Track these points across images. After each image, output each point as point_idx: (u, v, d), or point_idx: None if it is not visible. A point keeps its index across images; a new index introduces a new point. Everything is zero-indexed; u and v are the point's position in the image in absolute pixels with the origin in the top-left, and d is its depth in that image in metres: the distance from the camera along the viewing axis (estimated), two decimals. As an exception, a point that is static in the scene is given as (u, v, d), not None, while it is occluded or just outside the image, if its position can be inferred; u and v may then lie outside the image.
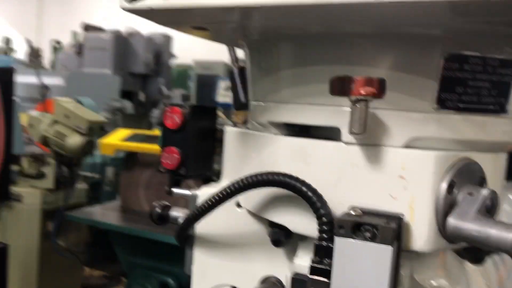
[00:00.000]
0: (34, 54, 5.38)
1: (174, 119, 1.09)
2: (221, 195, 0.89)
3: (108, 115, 7.55)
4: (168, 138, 1.11)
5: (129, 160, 4.86)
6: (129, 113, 8.29)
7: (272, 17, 0.75)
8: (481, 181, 0.81)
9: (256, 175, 0.83)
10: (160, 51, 10.28)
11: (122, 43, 9.96)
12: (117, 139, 4.88)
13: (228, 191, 0.88)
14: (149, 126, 8.67)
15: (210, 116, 1.19)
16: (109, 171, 5.92)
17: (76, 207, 4.89)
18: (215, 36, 1.00)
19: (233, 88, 1.18)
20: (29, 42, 5.67)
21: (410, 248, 0.77)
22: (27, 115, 5.02)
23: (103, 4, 15.16)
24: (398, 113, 0.78)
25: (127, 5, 0.78)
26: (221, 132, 1.25)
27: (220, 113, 6.84)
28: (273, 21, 0.78)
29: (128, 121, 8.07)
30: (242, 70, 1.17)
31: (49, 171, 4.70)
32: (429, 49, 0.76)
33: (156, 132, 5.05)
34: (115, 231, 4.22)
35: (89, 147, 4.67)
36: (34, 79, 7.60)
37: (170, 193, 1.13)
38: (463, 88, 0.78)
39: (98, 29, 10.79)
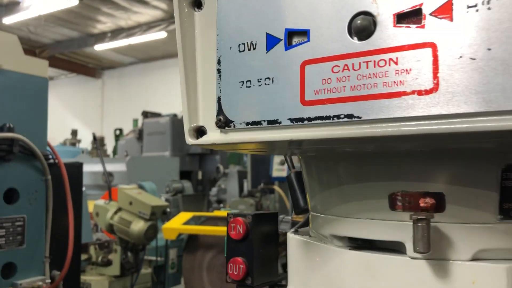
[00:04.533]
0: (98, 144, 5.70)
1: (238, 229, 1.13)
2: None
3: (169, 197, 7.77)
4: (233, 249, 1.14)
5: (190, 243, 4.92)
6: (189, 193, 8.49)
7: (323, 144, 0.80)
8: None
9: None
10: (214, 130, 10.65)
11: (179, 126, 10.43)
12: (178, 223, 4.99)
13: (297, 308, 0.88)
14: (208, 204, 8.80)
15: (272, 222, 1.21)
16: (172, 253, 5.99)
17: (142, 292, 4.95)
18: (271, 153, 1.06)
19: (292, 193, 1.21)
20: (93, 135, 6.04)
21: None
22: (94, 204, 5.24)
23: (159, 91, 16.08)
24: (461, 226, 0.78)
25: (193, 141, 0.85)
26: (283, 235, 1.28)
27: (277, 188, 6.82)
28: (326, 145, 0.82)
29: (188, 201, 8.25)
30: (299, 175, 1.21)
31: (115, 258, 4.81)
32: (486, 162, 0.77)
33: (216, 213, 5.12)
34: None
35: (152, 232, 4.78)
36: (98, 167, 8.03)
37: (239, 303, 1.15)
38: (527, 196, 0.77)
39: (156, 114, 11.39)
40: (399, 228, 0.82)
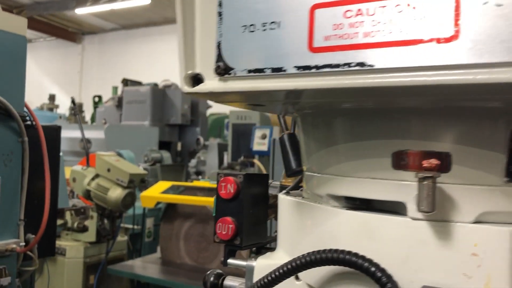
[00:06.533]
0: (77, 110, 5.57)
1: (228, 188, 1.09)
2: (282, 272, 0.87)
3: (147, 166, 7.70)
4: (222, 208, 1.10)
5: (168, 212, 4.88)
6: (167, 163, 8.42)
7: (330, 95, 0.76)
8: None
9: (320, 253, 0.81)
10: (196, 101, 10.54)
11: (159, 95, 10.27)
12: (157, 191, 4.94)
13: (290, 267, 0.85)
14: (187, 176, 8.76)
15: (262, 183, 1.18)
16: (149, 222, 5.96)
17: (117, 259, 4.93)
18: (268, 109, 1.01)
19: (284, 155, 1.17)
20: (73, 99, 5.90)
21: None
22: (71, 169, 5.15)
23: (141, 59, 15.77)
24: (466, 187, 0.76)
25: (189, 89, 0.80)
26: (273, 197, 1.25)
27: (257, 162, 6.80)
28: (332, 97, 0.78)
29: (166, 171, 8.19)
30: (292, 137, 1.17)
31: (92, 224, 4.76)
32: (494, 122, 0.74)
33: (195, 183, 5.08)
34: (156, 284, 4.22)
35: (130, 200, 4.73)
36: (76, 133, 7.87)
37: (226, 264, 1.12)
38: (534, 159, 0.75)
39: (137, 83, 11.19)
40: (400, 187, 0.79)
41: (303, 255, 0.84)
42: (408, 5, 0.63)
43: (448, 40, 0.61)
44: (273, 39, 0.73)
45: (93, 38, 17.48)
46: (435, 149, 0.74)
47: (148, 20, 15.77)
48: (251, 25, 0.75)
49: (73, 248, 4.61)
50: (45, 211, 2.80)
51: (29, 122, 2.78)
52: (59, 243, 4.54)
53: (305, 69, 0.70)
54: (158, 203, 4.98)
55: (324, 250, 0.81)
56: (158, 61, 15.31)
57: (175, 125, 10.41)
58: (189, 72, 0.81)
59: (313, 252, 0.82)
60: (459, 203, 0.75)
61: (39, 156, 2.83)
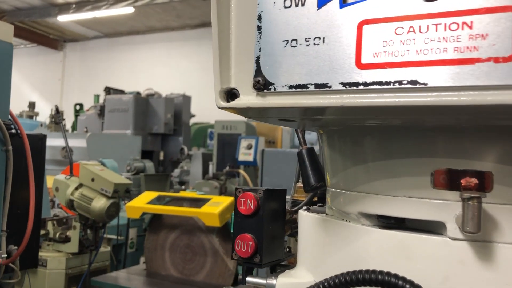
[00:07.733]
0: (59, 117, 5.48)
1: (248, 204, 1.06)
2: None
3: (130, 176, 7.60)
4: (241, 225, 1.07)
5: (154, 222, 4.81)
6: (150, 173, 8.33)
7: (377, 113, 0.74)
8: None
9: (356, 273, 0.79)
10: (179, 111, 10.48)
11: (142, 104, 10.18)
12: (143, 202, 4.87)
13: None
14: (170, 185, 8.67)
15: (281, 199, 1.16)
16: (132, 233, 5.87)
17: (100, 270, 4.83)
18: (297, 125, 1.00)
19: (303, 170, 1.15)
20: (56, 107, 5.79)
21: None
22: (53, 178, 5.04)
23: (123, 68, 15.63)
24: (508, 207, 0.75)
25: (224, 104, 0.77)
26: (289, 213, 1.22)
27: (242, 172, 6.77)
28: (379, 114, 0.76)
29: (149, 181, 8.09)
30: (310, 152, 1.15)
31: (74, 234, 4.65)
32: (539, 142, 0.74)
33: (182, 194, 5.03)
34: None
35: (114, 210, 4.64)
36: (57, 141, 7.72)
37: (244, 282, 1.09)
38: None
39: (119, 91, 11.07)
40: (439, 207, 0.77)
41: (336, 275, 0.81)
42: (464, 23, 0.62)
43: (506, 59, 0.60)
44: (317, 54, 0.71)
45: (75, 46, 17.25)
46: (476, 168, 0.74)
47: (131, 28, 15.66)
48: (293, 40, 0.73)
49: (54, 259, 4.50)
50: (29, 222, 2.71)
51: (13, 131, 2.70)
52: (40, 254, 4.41)
53: (352, 86, 0.69)
54: (143, 213, 4.90)
55: (361, 271, 0.79)
56: (141, 70, 15.20)
57: (157, 134, 10.33)
58: (224, 87, 0.79)
59: (348, 272, 0.80)
60: (501, 224, 0.75)
61: (24, 165, 2.74)
